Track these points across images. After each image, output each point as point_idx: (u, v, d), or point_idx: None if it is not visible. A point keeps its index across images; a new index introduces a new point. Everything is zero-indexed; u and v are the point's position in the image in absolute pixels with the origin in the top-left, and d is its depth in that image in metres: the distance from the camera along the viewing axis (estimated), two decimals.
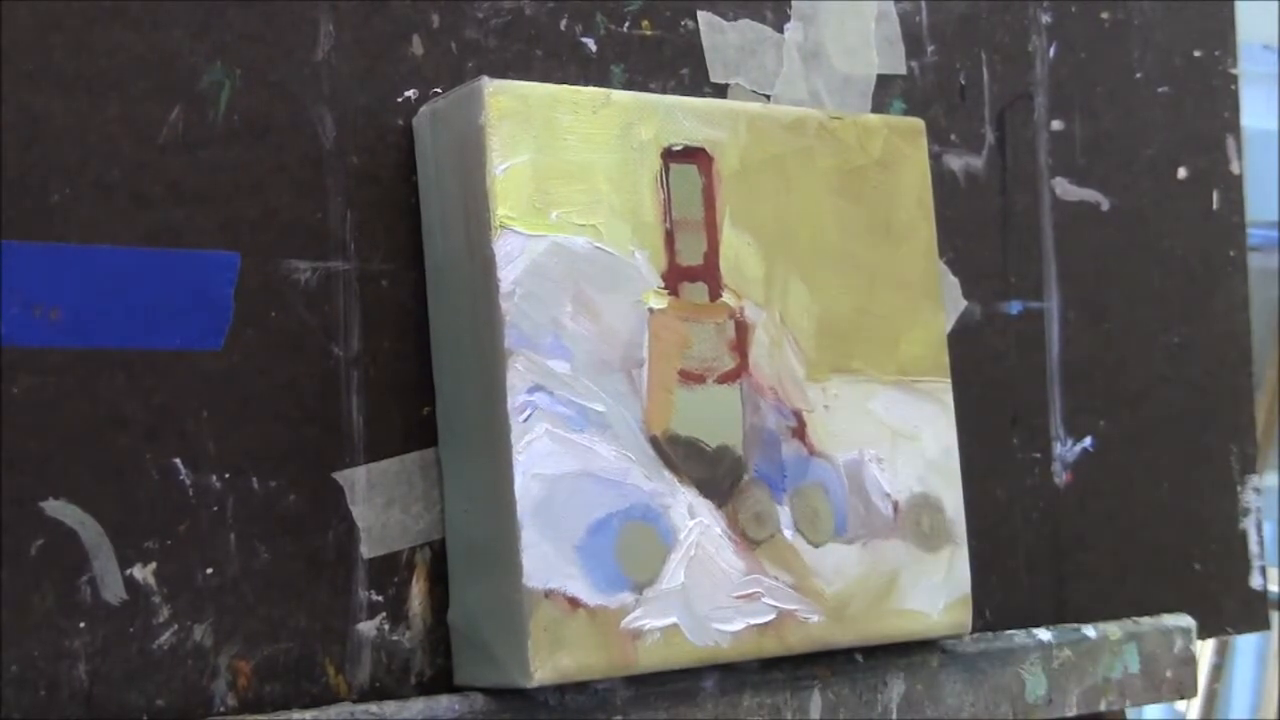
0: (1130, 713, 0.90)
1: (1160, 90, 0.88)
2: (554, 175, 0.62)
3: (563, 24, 0.69)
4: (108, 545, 0.57)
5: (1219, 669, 2.02)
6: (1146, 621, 0.80)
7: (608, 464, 0.61)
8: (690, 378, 0.64)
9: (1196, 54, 0.89)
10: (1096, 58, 0.86)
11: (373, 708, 0.59)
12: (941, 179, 0.78)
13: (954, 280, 0.79)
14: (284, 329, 0.61)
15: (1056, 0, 0.84)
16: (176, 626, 0.58)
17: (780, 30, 0.75)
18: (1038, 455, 0.81)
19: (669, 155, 0.65)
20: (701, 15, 0.73)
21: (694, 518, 0.63)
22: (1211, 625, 0.86)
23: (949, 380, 0.71)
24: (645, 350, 0.63)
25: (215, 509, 0.59)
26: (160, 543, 0.58)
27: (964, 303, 0.79)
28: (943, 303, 0.72)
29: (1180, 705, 2.16)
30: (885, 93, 0.78)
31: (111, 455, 0.57)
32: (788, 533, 0.66)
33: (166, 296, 0.59)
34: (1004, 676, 0.73)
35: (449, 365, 0.63)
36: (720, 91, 0.73)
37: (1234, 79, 0.91)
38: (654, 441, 0.63)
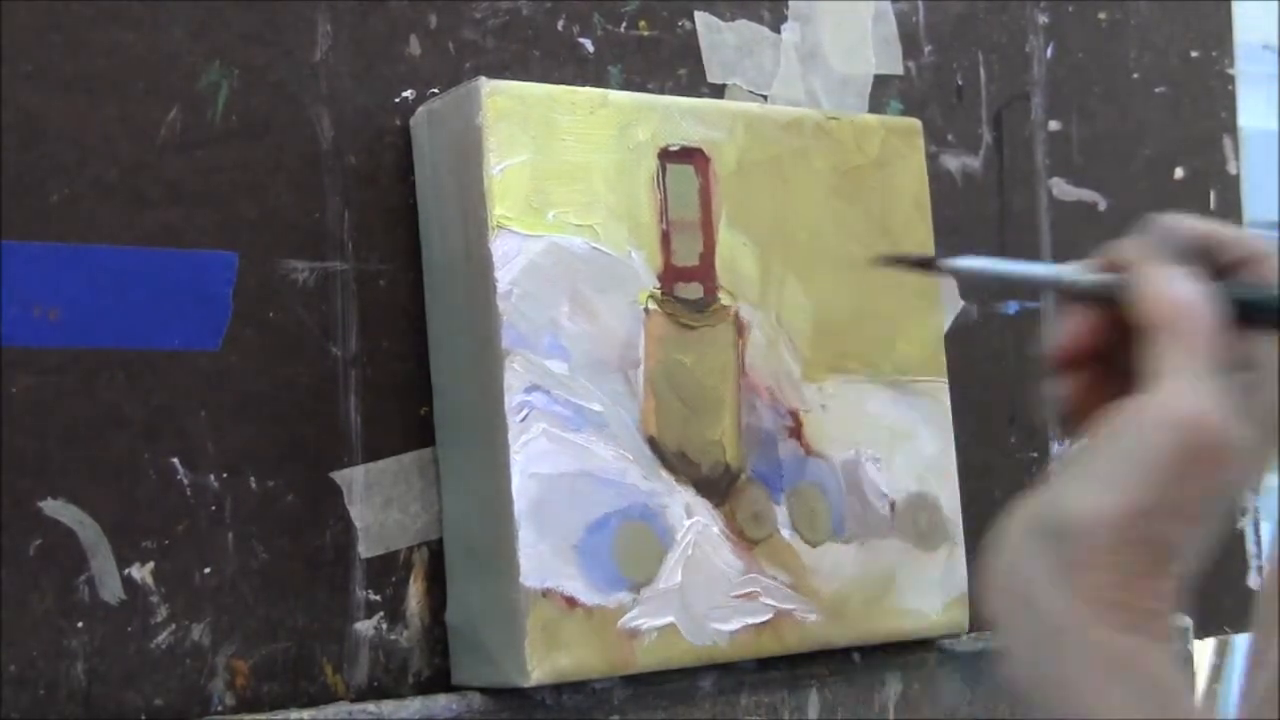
0: None
1: (1157, 90, 0.88)
2: (551, 175, 0.62)
3: (560, 24, 0.69)
4: (106, 545, 0.57)
5: (1219, 669, 2.02)
6: None
7: (605, 464, 0.62)
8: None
9: (1194, 54, 0.90)
10: (1094, 58, 0.86)
11: (370, 707, 0.59)
12: (939, 179, 0.78)
13: (951, 279, 0.79)
14: (282, 329, 0.61)
15: (1054, 0, 0.84)
16: (174, 626, 0.58)
17: (777, 30, 0.75)
18: (1035, 454, 0.81)
19: (666, 155, 0.65)
20: (699, 16, 0.73)
21: (691, 517, 0.63)
22: (1209, 625, 0.86)
23: (946, 380, 0.71)
24: (642, 350, 0.63)
25: (213, 509, 0.59)
26: (158, 542, 0.58)
27: (961, 302, 0.79)
28: (940, 302, 0.72)
29: None
30: (882, 93, 0.78)
31: (110, 455, 0.57)
32: (785, 532, 0.66)
33: (165, 296, 0.59)
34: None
35: (447, 365, 0.63)
36: (717, 92, 0.73)
37: (1231, 79, 0.91)
38: (651, 441, 0.63)
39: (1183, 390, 0.49)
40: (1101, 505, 0.48)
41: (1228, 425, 0.49)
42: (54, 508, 0.56)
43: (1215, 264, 0.55)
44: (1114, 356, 0.54)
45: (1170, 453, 0.48)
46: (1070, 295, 0.57)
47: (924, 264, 0.61)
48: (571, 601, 0.60)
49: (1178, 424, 0.49)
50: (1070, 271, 0.56)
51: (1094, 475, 0.49)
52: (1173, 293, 0.52)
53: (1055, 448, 0.82)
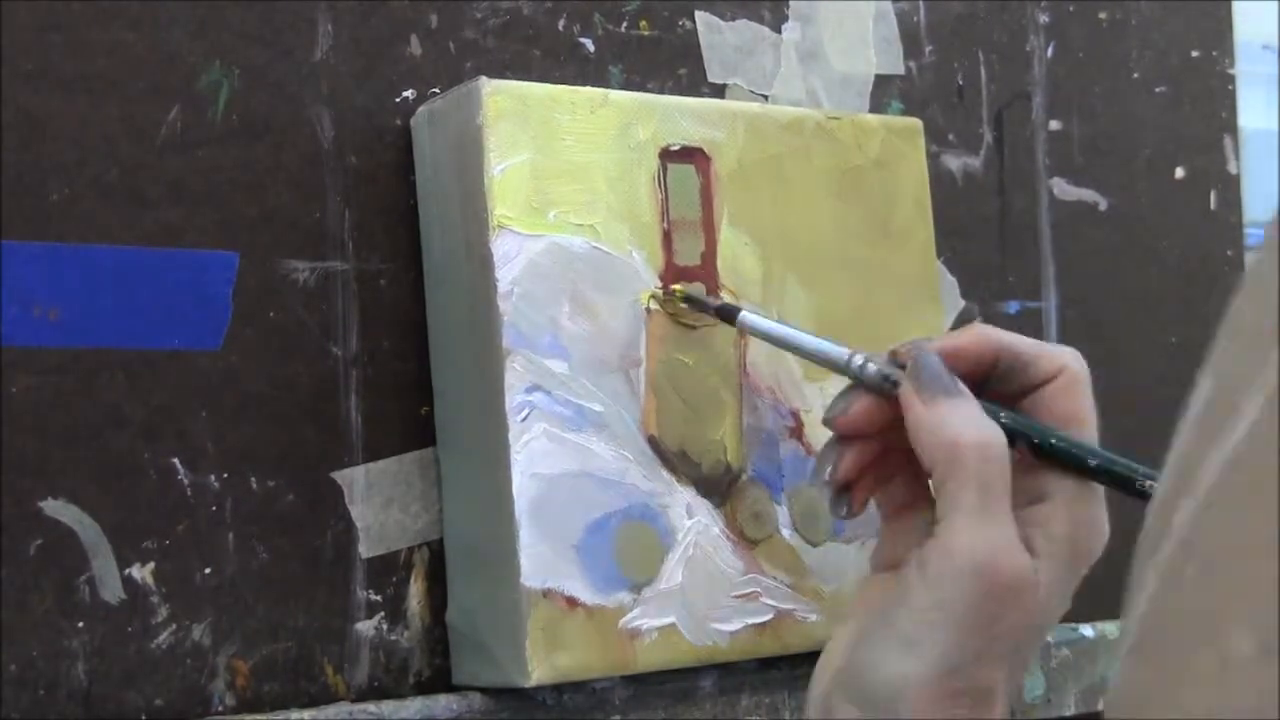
0: None
1: (1158, 90, 0.88)
2: (552, 175, 0.62)
3: (561, 24, 0.69)
4: (106, 545, 0.57)
5: None
6: None
7: (606, 464, 0.61)
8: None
9: (1194, 54, 0.90)
10: (1094, 58, 0.86)
11: (371, 707, 0.59)
12: (939, 179, 0.78)
13: (952, 280, 0.79)
14: (282, 329, 0.61)
15: (1054, 0, 0.84)
16: (175, 626, 0.58)
17: (778, 30, 0.75)
18: None
19: (667, 155, 0.65)
20: (699, 15, 0.73)
21: (692, 517, 0.63)
22: None
23: None
24: (643, 350, 0.63)
25: (214, 509, 0.59)
26: (159, 542, 0.58)
27: (962, 302, 0.79)
28: (941, 302, 0.72)
29: None
30: (883, 93, 0.78)
31: (110, 455, 0.57)
32: (786, 532, 0.66)
33: (165, 296, 0.59)
34: None
35: (447, 365, 0.63)
36: (718, 91, 0.73)
37: (1231, 79, 0.91)
38: (652, 441, 0.63)
39: (973, 533, 0.48)
40: (911, 671, 0.47)
41: (1022, 564, 0.48)
42: (54, 508, 0.56)
43: (1018, 383, 0.53)
44: (896, 433, 0.52)
45: (969, 602, 0.47)
46: (854, 380, 0.54)
47: (724, 314, 0.61)
48: (572, 601, 0.60)
49: (974, 571, 0.47)
50: (857, 359, 0.54)
51: (900, 637, 0.48)
52: (956, 433, 0.49)
53: None
